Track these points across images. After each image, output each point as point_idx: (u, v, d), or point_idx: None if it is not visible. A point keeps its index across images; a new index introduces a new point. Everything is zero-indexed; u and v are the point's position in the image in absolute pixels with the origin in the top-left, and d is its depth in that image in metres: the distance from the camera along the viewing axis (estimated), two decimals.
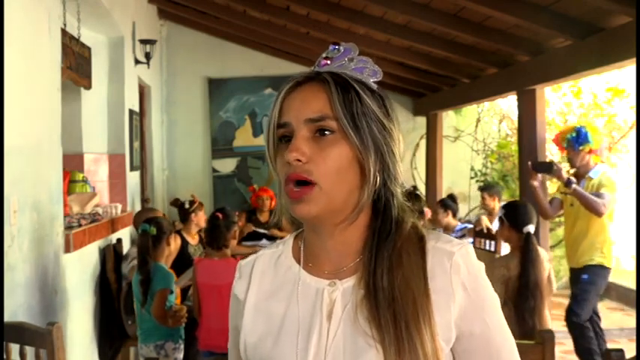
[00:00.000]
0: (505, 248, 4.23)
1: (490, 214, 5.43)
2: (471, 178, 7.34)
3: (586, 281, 4.08)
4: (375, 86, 0.99)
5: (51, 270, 2.87)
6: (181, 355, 3.27)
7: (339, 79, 0.96)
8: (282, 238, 1.14)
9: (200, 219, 4.59)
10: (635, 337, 4.77)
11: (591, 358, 3.96)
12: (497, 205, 5.38)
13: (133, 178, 5.14)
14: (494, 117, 7.75)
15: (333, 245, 0.99)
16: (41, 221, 2.72)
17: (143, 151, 5.97)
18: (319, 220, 0.97)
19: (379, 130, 0.96)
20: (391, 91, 6.83)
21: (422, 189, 6.91)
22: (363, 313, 0.93)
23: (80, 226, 3.39)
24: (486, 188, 5.77)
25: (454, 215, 5.33)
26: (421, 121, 7.30)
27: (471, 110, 7.57)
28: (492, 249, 4.69)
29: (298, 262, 1.03)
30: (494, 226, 4.68)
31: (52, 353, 1.96)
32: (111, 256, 4.04)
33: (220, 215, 3.43)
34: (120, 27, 4.56)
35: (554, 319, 3.18)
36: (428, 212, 4.64)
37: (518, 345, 1.01)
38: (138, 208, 5.16)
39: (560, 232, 5.78)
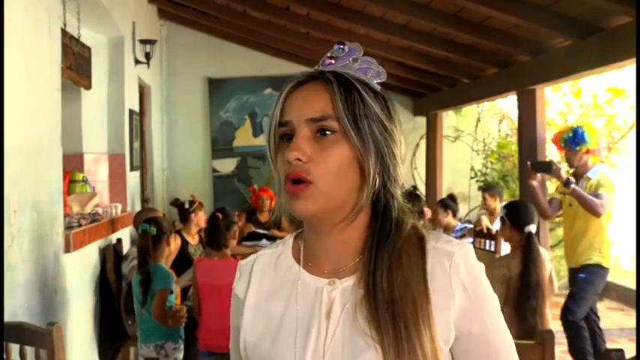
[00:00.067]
0: (505, 248, 4.23)
1: (491, 214, 5.43)
2: (471, 178, 7.34)
3: (584, 280, 4.08)
4: (378, 87, 0.98)
5: (51, 270, 2.87)
6: (181, 355, 3.27)
7: (342, 79, 0.96)
8: (282, 238, 1.14)
9: (200, 219, 4.58)
10: (635, 337, 4.77)
11: (584, 358, 3.96)
12: (498, 205, 5.37)
13: (132, 178, 5.14)
14: (494, 117, 7.74)
15: (333, 245, 0.99)
16: (41, 221, 2.72)
17: (143, 151, 5.97)
18: (317, 219, 0.97)
19: (380, 132, 0.95)
20: (391, 91, 6.82)
21: (422, 189, 6.91)
22: (362, 312, 0.93)
23: (80, 226, 3.39)
24: (487, 189, 5.77)
25: (454, 215, 5.33)
26: (421, 121, 7.29)
27: (470, 110, 7.56)
28: (492, 249, 4.69)
29: (298, 261, 1.03)
30: (496, 226, 4.67)
31: (52, 353, 1.96)
32: (111, 256, 4.03)
33: (220, 215, 3.43)
34: (120, 27, 4.56)
35: (553, 319, 3.18)
36: (428, 212, 4.63)
37: (517, 345, 1.01)
38: (138, 208, 5.16)
39: (560, 232, 5.77)
